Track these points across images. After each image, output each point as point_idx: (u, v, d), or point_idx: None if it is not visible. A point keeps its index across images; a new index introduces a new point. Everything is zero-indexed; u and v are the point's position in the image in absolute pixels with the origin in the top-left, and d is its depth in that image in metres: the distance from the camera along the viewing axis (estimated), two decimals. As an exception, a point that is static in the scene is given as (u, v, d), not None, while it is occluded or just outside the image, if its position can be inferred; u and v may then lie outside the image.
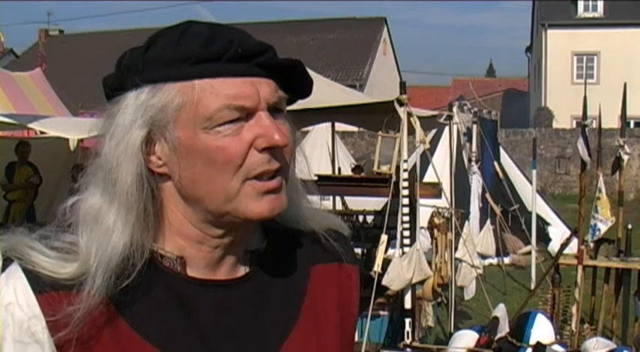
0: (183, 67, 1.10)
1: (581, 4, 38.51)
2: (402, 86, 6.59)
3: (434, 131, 11.44)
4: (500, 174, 11.54)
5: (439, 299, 7.60)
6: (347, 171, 13.13)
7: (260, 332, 1.19)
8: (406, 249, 6.35)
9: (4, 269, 1.12)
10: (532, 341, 4.89)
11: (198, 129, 1.09)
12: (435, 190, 7.04)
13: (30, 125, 9.40)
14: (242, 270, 1.22)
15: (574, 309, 6.63)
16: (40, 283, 1.09)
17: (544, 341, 4.89)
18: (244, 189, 1.11)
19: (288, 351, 1.20)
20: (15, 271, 1.11)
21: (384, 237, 6.35)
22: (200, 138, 1.09)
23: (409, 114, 6.41)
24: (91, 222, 1.11)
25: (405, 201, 6.29)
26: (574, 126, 30.93)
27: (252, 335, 1.18)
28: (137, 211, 1.11)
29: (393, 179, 6.50)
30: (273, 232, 1.27)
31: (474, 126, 10.50)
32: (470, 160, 10.59)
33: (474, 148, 10.54)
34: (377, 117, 7.10)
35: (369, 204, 10.66)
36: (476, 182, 10.71)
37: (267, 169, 1.11)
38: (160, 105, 1.09)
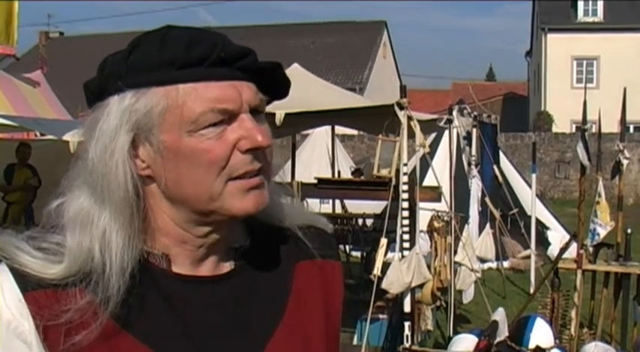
0: (168, 71, 1.11)
1: (580, 9, 38.55)
2: (402, 90, 6.60)
3: (434, 135, 11.44)
4: (500, 178, 11.53)
5: (438, 303, 7.59)
6: (347, 175, 13.13)
7: (246, 328, 1.20)
8: (406, 253, 6.36)
9: None
10: (531, 345, 4.89)
11: (183, 133, 1.11)
12: (435, 194, 7.04)
13: (30, 128, 9.42)
14: (226, 267, 1.23)
15: (573, 313, 6.62)
16: (27, 283, 1.10)
17: (543, 346, 4.88)
18: (227, 189, 1.13)
19: (273, 347, 1.20)
20: (2, 271, 1.11)
21: (383, 241, 6.36)
22: (185, 141, 1.11)
23: (409, 118, 6.42)
24: (81, 225, 1.12)
25: (405, 204, 6.30)
26: (574, 130, 30.94)
27: (239, 331, 1.19)
28: (131, 215, 1.12)
29: (393, 182, 6.51)
30: (256, 230, 1.28)
31: (474, 130, 10.50)
32: (469, 164, 10.58)
33: (473, 152, 10.53)
34: (377, 120, 7.11)
35: (368, 207, 10.67)
36: (475, 186, 10.71)
37: (250, 169, 1.14)
38: (145, 109, 1.11)
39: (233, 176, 1.13)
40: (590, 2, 38.57)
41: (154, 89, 1.11)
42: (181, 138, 1.11)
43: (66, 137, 6.66)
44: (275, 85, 1.21)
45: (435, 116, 9.29)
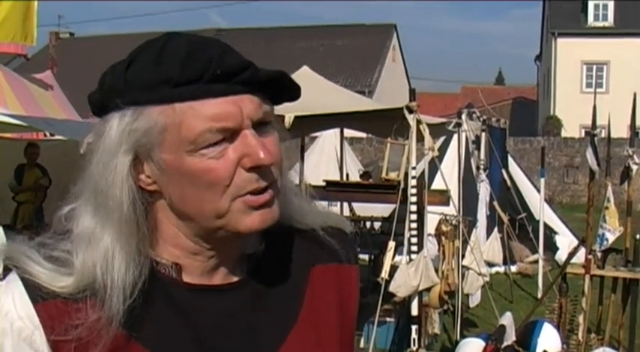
0: (163, 89, 1.08)
1: (591, 14, 38.47)
2: (412, 93, 6.60)
3: (442, 138, 11.42)
4: (509, 183, 11.53)
5: (445, 307, 7.58)
6: (355, 177, 13.11)
7: (258, 336, 1.19)
8: (413, 256, 6.35)
9: (3, 277, 1.13)
10: (538, 350, 4.88)
11: (183, 152, 1.08)
12: (443, 197, 7.04)
13: (39, 128, 9.43)
14: (239, 274, 1.22)
15: (581, 319, 6.61)
16: (37, 292, 1.09)
17: (550, 351, 4.87)
18: (234, 206, 1.10)
19: (287, 351, 1.20)
20: (13, 280, 1.11)
21: (391, 244, 6.36)
22: (185, 161, 1.08)
23: (418, 122, 6.42)
24: (86, 243, 1.11)
25: (413, 208, 6.29)
26: (583, 135, 30.88)
27: (250, 339, 1.18)
28: (132, 229, 1.11)
29: (401, 186, 6.51)
30: (271, 233, 1.24)
31: (483, 134, 10.50)
32: (478, 168, 10.58)
33: (482, 156, 10.53)
34: (386, 123, 7.12)
35: (376, 210, 10.67)
36: (484, 190, 10.70)
37: (255, 188, 1.11)
38: (144, 128, 1.08)
39: (240, 194, 1.10)
40: (601, 7, 38.49)
41: (151, 107, 1.08)
42: (182, 158, 1.08)
43: (86, 139, 6.66)
44: (283, 91, 1.18)
45: (444, 120, 9.29)
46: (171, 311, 1.15)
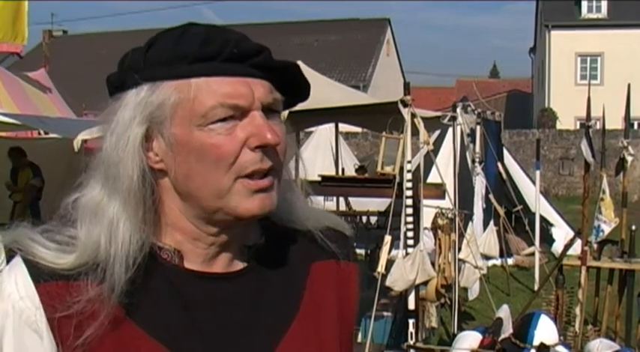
0: (181, 65, 1.13)
1: (584, 5, 38.46)
2: (406, 87, 6.60)
3: (437, 132, 11.44)
4: (504, 175, 11.54)
5: (442, 300, 7.59)
6: (350, 172, 13.09)
7: (258, 326, 1.20)
8: (410, 250, 6.36)
9: (8, 261, 1.15)
10: (536, 342, 4.88)
11: (193, 127, 1.12)
12: (439, 191, 7.04)
13: (34, 126, 9.42)
14: (240, 265, 1.24)
15: (577, 310, 6.62)
16: (40, 273, 1.11)
17: (548, 342, 4.88)
18: (235, 187, 1.13)
19: (286, 345, 1.21)
20: (16, 263, 1.14)
21: (387, 238, 6.36)
22: (194, 135, 1.12)
23: (413, 115, 6.42)
24: (92, 214, 1.14)
25: (409, 201, 6.30)
26: (578, 127, 30.88)
27: (251, 329, 1.20)
28: (137, 205, 1.14)
29: (397, 180, 6.51)
30: (270, 230, 1.28)
31: (478, 127, 10.51)
32: (473, 161, 10.59)
33: (477, 149, 10.55)
34: (381, 118, 7.12)
35: (372, 204, 10.66)
36: (479, 183, 10.72)
37: (259, 168, 1.14)
38: (158, 102, 1.13)
39: (242, 174, 1.13)
40: (594, -1, 38.51)
41: (167, 82, 1.14)
42: (191, 132, 1.12)
43: (80, 136, 6.64)
44: (293, 86, 1.22)
45: (438, 113, 9.29)
46: (171, 296, 1.16)
